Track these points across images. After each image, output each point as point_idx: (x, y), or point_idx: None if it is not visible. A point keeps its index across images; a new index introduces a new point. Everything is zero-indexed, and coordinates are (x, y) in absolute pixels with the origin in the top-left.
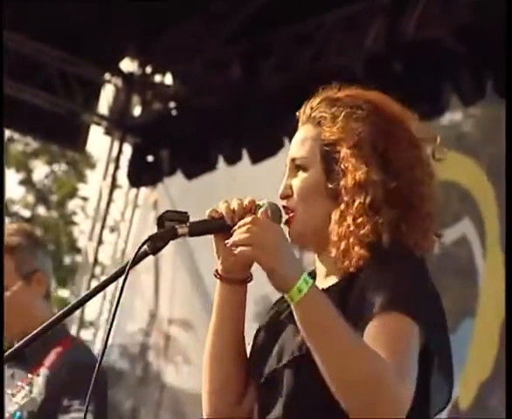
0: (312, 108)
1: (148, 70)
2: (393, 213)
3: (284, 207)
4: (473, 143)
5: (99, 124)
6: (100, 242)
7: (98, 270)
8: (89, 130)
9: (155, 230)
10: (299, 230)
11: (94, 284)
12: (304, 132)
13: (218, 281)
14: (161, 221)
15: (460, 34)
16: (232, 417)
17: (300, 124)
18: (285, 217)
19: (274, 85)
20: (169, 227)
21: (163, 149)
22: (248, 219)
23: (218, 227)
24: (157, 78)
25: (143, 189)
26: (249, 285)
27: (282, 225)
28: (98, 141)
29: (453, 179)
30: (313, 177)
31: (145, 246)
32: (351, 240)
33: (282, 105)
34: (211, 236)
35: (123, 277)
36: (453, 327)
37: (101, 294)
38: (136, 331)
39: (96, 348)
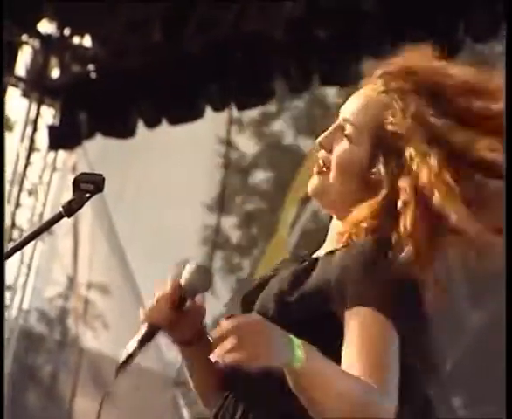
0: (390, 76)
1: (67, 32)
2: None
3: (320, 158)
4: None
5: (16, 86)
6: (17, 205)
7: (16, 233)
8: (6, 92)
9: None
10: (326, 193)
11: None
12: (368, 100)
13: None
14: (76, 183)
15: None
16: None
17: (366, 82)
18: (318, 167)
19: (195, 49)
20: None
21: (82, 112)
22: (229, 327)
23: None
24: (76, 39)
25: (62, 152)
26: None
27: (315, 175)
28: (15, 104)
29: None
30: (354, 155)
31: (60, 208)
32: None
33: (203, 70)
34: (127, 202)
35: None
36: None
37: (18, 258)
38: (55, 295)
39: (13, 313)
